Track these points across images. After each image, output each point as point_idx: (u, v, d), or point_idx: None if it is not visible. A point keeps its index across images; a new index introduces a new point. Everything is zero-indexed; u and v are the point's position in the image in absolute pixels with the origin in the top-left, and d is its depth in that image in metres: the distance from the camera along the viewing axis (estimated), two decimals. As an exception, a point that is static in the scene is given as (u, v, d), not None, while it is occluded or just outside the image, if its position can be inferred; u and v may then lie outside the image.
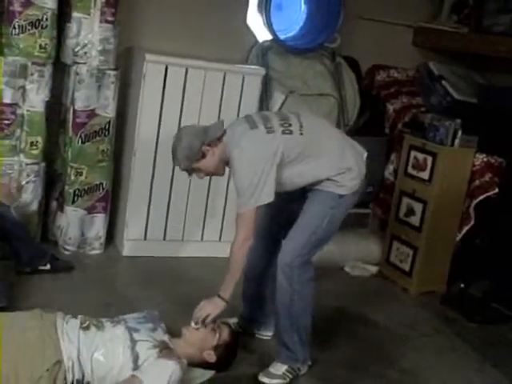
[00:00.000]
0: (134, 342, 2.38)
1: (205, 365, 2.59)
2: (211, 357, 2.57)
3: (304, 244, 2.74)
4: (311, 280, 2.82)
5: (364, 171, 2.82)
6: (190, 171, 2.81)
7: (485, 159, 4.02)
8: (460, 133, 3.94)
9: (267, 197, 2.61)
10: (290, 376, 2.86)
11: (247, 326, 3.19)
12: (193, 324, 2.60)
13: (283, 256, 2.74)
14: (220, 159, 2.74)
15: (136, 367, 2.33)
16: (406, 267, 4.17)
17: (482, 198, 4.02)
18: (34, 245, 3.53)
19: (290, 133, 2.68)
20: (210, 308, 2.64)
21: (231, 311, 3.17)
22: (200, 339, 2.58)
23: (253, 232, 2.65)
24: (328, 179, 2.72)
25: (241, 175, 2.62)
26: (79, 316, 2.48)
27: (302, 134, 2.70)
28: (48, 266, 3.48)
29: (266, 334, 3.19)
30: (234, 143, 2.67)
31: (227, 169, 2.82)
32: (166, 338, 2.53)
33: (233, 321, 3.14)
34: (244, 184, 2.60)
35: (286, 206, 2.86)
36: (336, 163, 2.73)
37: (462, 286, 4.06)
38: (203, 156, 2.72)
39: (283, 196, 2.73)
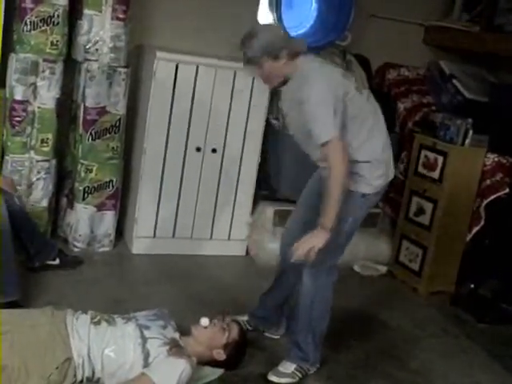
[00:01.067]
0: (144, 339, 2.39)
1: (214, 363, 2.59)
2: (221, 355, 2.57)
3: (330, 244, 2.69)
4: (334, 283, 2.82)
5: (392, 171, 2.83)
6: (250, 62, 2.70)
7: (496, 159, 4.00)
8: (471, 132, 3.92)
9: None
10: (299, 375, 2.86)
11: (258, 324, 3.18)
12: (201, 322, 2.58)
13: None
14: (285, 73, 2.67)
15: (146, 364, 2.34)
16: (416, 267, 4.15)
17: (492, 198, 3.99)
18: (42, 238, 3.49)
19: (361, 93, 2.71)
20: (315, 240, 2.52)
21: (242, 309, 3.19)
22: (209, 338, 2.57)
23: (346, 154, 2.54)
24: (357, 173, 2.68)
25: (317, 100, 2.52)
26: (89, 311, 2.49)
27: (368, 101, 2.74)
28: (57, 261, 3.47)
29: (277, 334, 3.19)
30: (309, 68, 2.62)
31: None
32: (176, 335, 2.54)
33: (243, 318, 3.13)
34: (322, 111, 2.51)
35: (317, 202, 2.80)
36: (378, 149, 2.72)
37: (472, 286, 4.03)
38: (276, 58, 2.64)
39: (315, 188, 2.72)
